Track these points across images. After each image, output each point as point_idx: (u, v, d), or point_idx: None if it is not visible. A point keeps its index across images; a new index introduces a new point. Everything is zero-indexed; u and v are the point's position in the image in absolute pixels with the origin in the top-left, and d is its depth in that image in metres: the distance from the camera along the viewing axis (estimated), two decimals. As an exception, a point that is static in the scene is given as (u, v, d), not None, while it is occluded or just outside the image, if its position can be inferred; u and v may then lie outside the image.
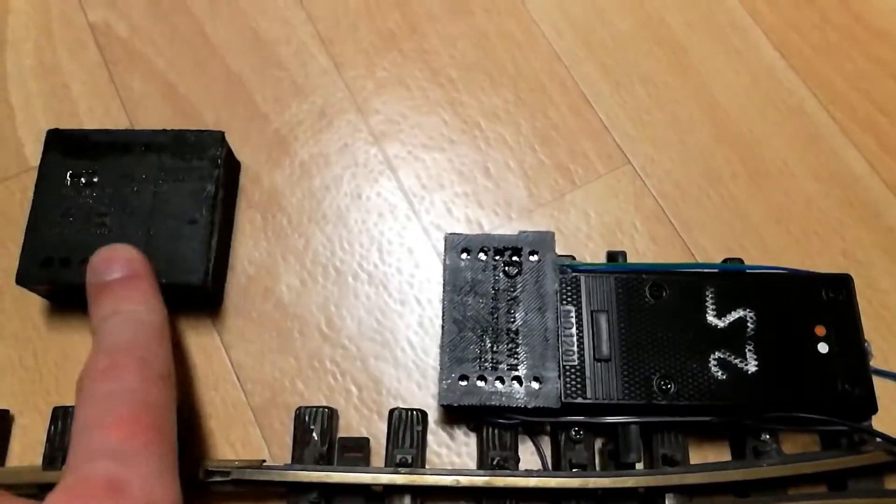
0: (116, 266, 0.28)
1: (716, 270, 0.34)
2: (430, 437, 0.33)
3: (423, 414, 0.32)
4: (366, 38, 0.41)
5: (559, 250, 0.37)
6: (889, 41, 0.41)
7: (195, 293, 0.34)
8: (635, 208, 0.37)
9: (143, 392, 0.23)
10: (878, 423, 0.33)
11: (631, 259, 0.36)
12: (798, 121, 0.40)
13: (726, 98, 0.40)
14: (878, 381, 0.34)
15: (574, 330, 0.32)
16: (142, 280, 0.27)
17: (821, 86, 0.40)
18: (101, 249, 0.29)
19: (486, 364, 0.31)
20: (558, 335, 0.31)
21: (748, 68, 0.41)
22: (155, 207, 0.34)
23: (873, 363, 0.34)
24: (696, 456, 0.33)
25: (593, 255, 0.36)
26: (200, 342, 0.35)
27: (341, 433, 0.33)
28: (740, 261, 0.35)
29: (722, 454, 0.33)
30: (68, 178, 0.34)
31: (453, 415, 0.33)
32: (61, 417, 0.32)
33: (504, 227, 0.37)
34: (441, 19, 0.41)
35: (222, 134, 0.35)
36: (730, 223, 0.37)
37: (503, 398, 0.31)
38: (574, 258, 0.35)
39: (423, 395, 0.34)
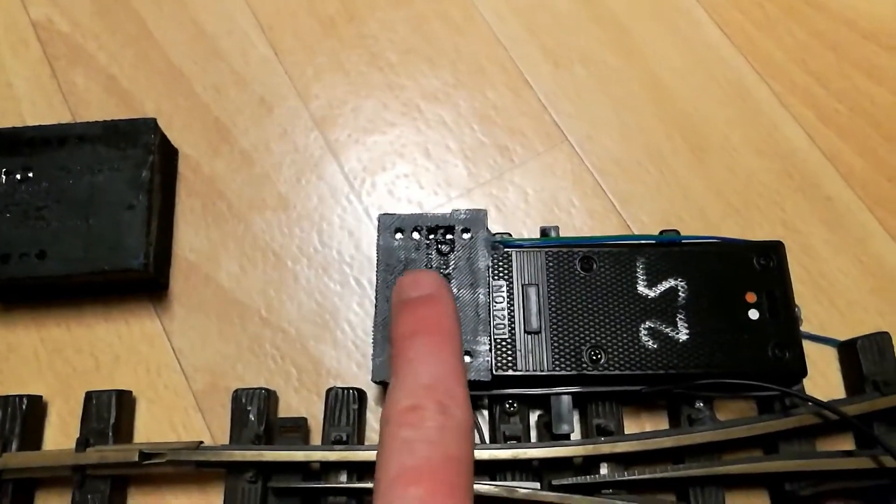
0: (421, 286, 0.26)
1: (647, 242, 0.34)
2: (369, 415, 0.33)
3: (361, 392, 0.33)
4: (305, 26, 0.41)
5: (499, 228, 0.37)
6: (827, 14, 0.41)
7: (138, 278, 0.34)
8: (573, 185, 0.37)
9: (443, 444, 0.22)
10: (813, 385, 0.34)
11: (569, 234, 0.36)
12: (739, 96, 0.40)
13: (668, 76, 0.40)
14: (813, 346, 0.34)
15: (505, 304, 0.32)
16: (441, 301, 0.26)
17: (761, 60, 0.40)
18: (408, 272, 0.27)
19: (418, 340, 0.31)
20: (489, 310, 0.32)
21: (690, 46, 0.41)
22: (93, 197, 0.35)
23: (810, 328, 0.35)
24: (634, 425, 0.33)
25: (531, 231, 0.37)
26: (144, 329, 0.36)
27: (282, 414, 0.34)
28: (676, 232, 0.35)
29: (660, 423, 0.33)
30: (3, 176, 0.34)
31: (392, 393, 0.33)
32: (1, 407, 0.33)
33: (445, 206, 0.38)
34: (380, 4, 0.42)
35: (154, 121, 0.35)
36: (669, 197, 0.37)
37: (435, 373, 0.31)
38: (511, 235, 0.35)
39: (364, 374, 0.34)
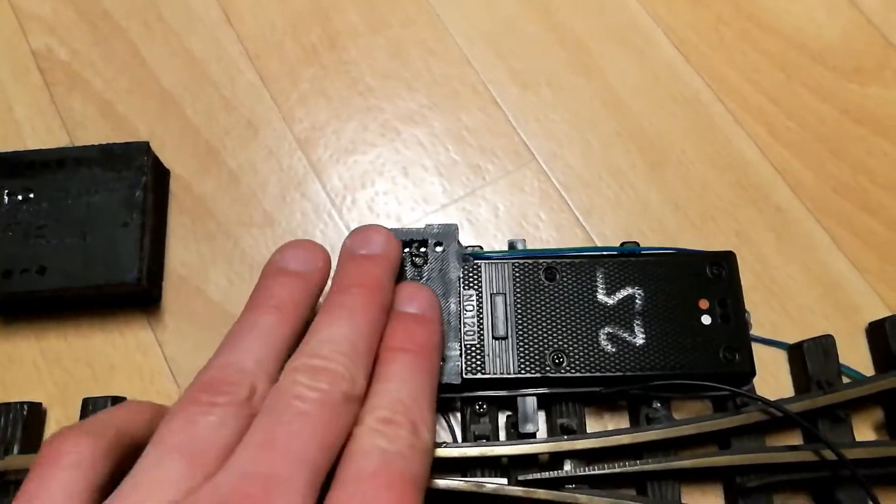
0: (419, 302, 0.28)
1: (607, 253, 0.36)
2: (350, 419, 0.36)
3: (341, 397, 0.35)
4: (290, 54, 0.44)
5: (472, 241, 0.39)
6: (777, 36, 0.44)
7: (132, 291, 0.37)
8: (540, 200, 0.40)
9: (409, 463, 0.23)
10: (765, 385, 0.36)
11: (536, 247, 0.39)
12: (695, 112, 0.42)
13: (628, 95, 0.43)
14: (765, 349, 0.37)
15: (474, 312, 0.34)
16: (434, 325, 0.27)
17: (715, 79, 0.43)
18: (410, 284, 0.29)
19: (393, 346, 0.34)
20: (460, 318, 0.34)
21: (649, 66, 0.44)
22: (89, 216, 0.37)
23: (763, 332, 0.37)
24: (598, 424, 0.35)
25: (502, 244, 0.39)
26: (138, 340, 0.38)
27: (267, 418, 0.36)
28: (636, 244, 0.37)
29: (622, 422, 0.36)
30: (6, 197, 0.37)
31: (371, 397, 0.36)
32: (3, 413, 0.35)
33: (421, 221, 0.40)
34: (360, 31, 0.44)
35: (147, 144, 0.38)
36: (629, 210, 0.40)
37: (409, 377, 0.33)
38: (482, 248, 0.37)
39: (344, 380, 0.37)
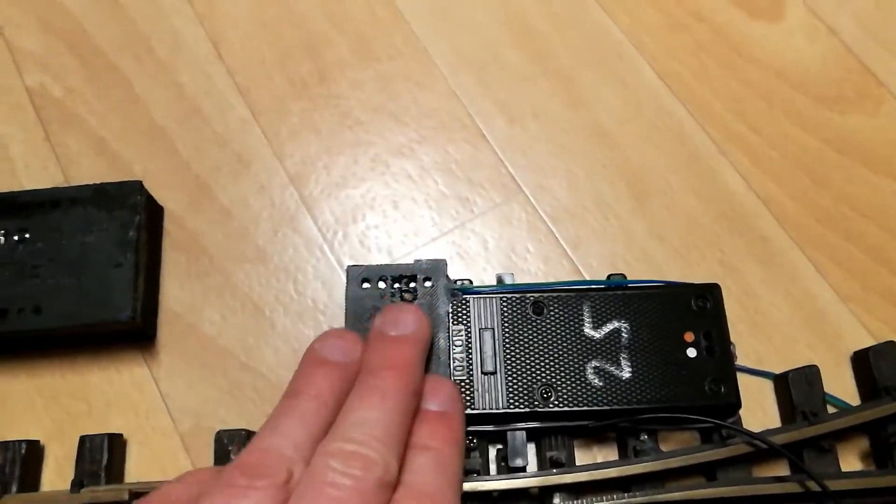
0: (441, 398, 0.28)
1: (593, 287, 0.37)
2: (342, 453, 0.36)
3: (334, 432, 0.35)
4: (280, 88, 0.44)
5: (461, 273, 0.40)
6: (758, 66, 0.45)
7: (127, 329, 0.37)
8: (528, 233, 0.41)
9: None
10: (752, 415, 0.37)
11: (524, 279, 0.39)
12: (679, 143, 0.43)
13: (612, 125, 0.44)
14: (752, 379, 0.37)
15: (463, 347, 0.35)
16: (456, 420, 0.28)
17: (699, 109, 0.44)
18: (433, 378, 0.29)
19: (384, 383, 0.34)
20: (449, 353, 0.35)
21: (633, 96, 0.44)
22: (84, 256, 0.37)
23: (748, 362, 0.38)
24: (587, 457, 0.36)
25: (491, 277, 0.40)
26: (133, 376, 0.38)
27: (261, 454, 0.36)
28: (623, 276, 0.38)
29: (611, 454, 0.36)
30: (1, 237, 0.37)
31: (363, 431, 0.36)
32: (1, 452, 0.35)
33: (412, 254, 0.41)
34: (350, 65, 0.45)
35: (140, 183, 0.38)
36: (614, 241, 0.40)
37: (400, 414, 0.34)
38: (472, 281, 0.38)
39: (337, 414, 0.37)
